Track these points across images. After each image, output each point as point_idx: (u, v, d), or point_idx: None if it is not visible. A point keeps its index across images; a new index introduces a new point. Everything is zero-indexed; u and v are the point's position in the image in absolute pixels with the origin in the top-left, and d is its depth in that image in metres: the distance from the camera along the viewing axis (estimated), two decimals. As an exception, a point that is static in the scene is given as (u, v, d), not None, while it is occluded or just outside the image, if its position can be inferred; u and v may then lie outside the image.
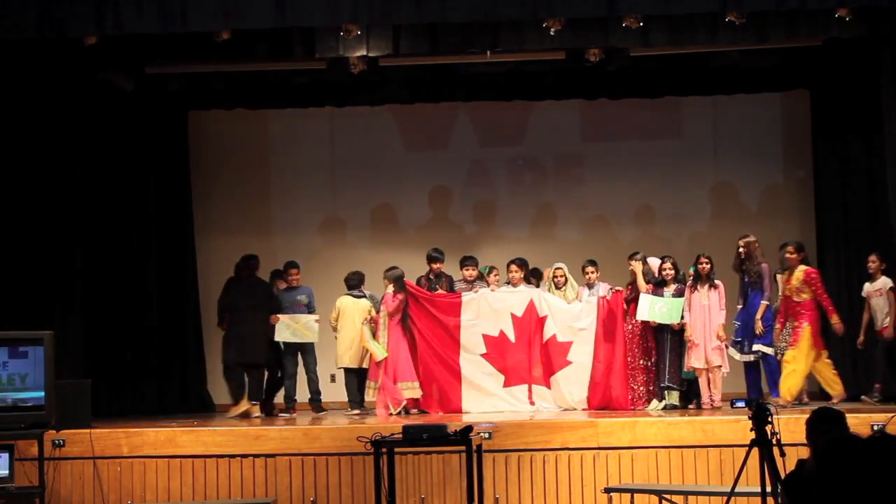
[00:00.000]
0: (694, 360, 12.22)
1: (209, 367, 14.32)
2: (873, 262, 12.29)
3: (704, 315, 12.24)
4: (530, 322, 12.52)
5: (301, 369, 13.09)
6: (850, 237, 13.68)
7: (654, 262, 12.66)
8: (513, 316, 12.49)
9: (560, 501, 10.28)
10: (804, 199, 14.53)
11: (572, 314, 12.48)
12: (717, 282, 12.36)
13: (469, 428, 9.34)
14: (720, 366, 12.24)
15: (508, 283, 12.85)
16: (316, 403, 13.04)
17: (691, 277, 12.41)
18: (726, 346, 12.37)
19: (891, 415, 10.22)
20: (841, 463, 4.70)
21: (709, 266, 12.31)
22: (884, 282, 12.16)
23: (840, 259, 13.53)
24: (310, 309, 13.00)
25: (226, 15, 10.85)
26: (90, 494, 10.31)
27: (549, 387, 12.52)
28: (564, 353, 12.45)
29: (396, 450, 9.65)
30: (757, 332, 12.23)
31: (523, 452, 10.36)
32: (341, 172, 15.36)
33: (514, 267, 12.86)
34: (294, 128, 15.26)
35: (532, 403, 12.49)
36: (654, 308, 12.25)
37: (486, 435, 10.04)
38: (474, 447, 9.51)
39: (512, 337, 12.50)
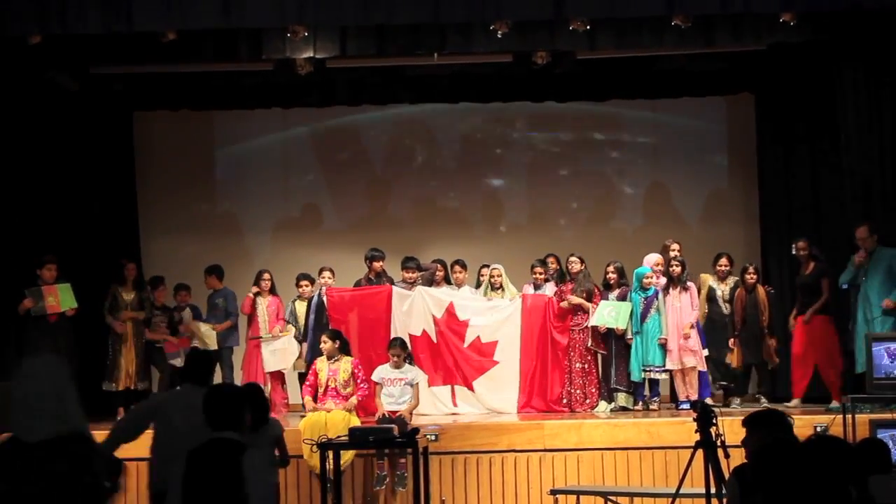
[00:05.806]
0: (668, 362, 12.27)
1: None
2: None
3: (677, 317, 12.27)
4: (449, 325, 12.39)
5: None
6: (793, 242, 13.73)
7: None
8: (433, 317, 12.32)
9: (506, 503, 10.31)
10: (748, 203, 14.60)
11: (496, 315, 12.43)
12: (689, 284, 12.36)
13: (415, 430, 9.34)
14: (694, 366, 12.24)
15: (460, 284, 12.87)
16: None
17: (663, 279, 12.46)
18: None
19: (833, 416, 10.35)
20: (778, 466, 4.73)
21: (680, 269, 12.36)
22: None
23: (783, 264, 13.58)
24: (226, 313, 12.94)
25: (171, 15, 10.78)
26: None
27: (472, 390, 12.34)
28: (490, 353, 12.35)
29: (342, 452, 9.64)
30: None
31: (469, 454, 10.38)
32: (287, 173, 15.33)
33: (458, 268, 12.89)
34: (240, 129, 15.17)
35: (455, 405, 12.33)
36: (604, 313, 12.23)
37: (433, 437, 10.03)
38: (420, 449, 9.52)
39: (434, 337, 12.33)
